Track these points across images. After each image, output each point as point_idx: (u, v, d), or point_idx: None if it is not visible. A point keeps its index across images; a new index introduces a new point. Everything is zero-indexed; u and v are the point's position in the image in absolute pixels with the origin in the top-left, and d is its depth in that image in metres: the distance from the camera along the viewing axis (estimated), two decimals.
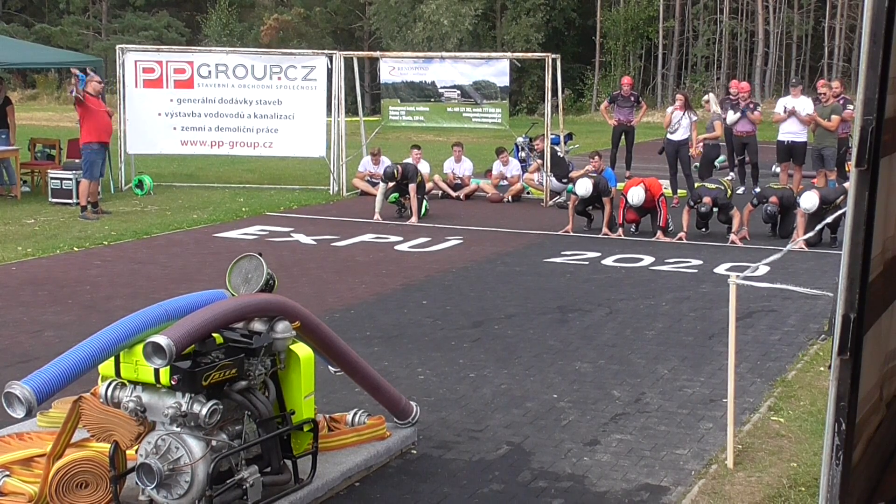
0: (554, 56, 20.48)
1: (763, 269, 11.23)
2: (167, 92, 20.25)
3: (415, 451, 7.09)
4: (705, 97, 21.63)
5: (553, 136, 20.29)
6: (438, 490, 6.48)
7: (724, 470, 6.78)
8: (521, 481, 6.61)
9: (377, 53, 24.65)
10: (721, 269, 12.98)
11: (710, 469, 6.82)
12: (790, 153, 19.20)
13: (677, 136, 19.00)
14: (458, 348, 9.58)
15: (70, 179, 18.21)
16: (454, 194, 19.90)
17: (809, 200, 14.24)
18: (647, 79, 47.74)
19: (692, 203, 15.17)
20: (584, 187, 15.45)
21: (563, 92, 23.57)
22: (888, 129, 4.48)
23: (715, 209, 15.04)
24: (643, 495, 6.42)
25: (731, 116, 19.68)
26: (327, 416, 6.99)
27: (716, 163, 20.60)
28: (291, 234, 15.73)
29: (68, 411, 6.00)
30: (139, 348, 5.62)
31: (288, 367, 6.34)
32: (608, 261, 13.86)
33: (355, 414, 7.09)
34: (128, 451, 5.89)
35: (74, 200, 17.81)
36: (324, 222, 16.86)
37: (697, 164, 20.14)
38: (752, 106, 20.29)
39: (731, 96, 21.18)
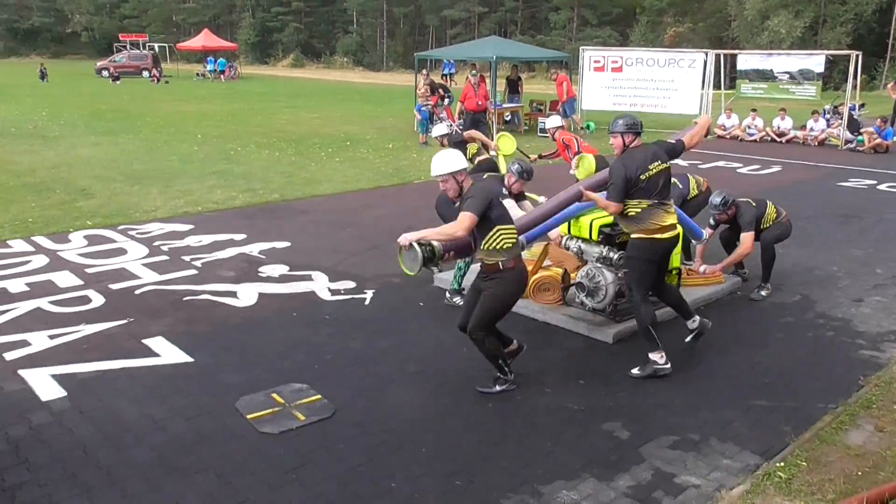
0: (857, 53, 17.72)
1: None
2: (607, 74, 19.78)
3: (739, 293, 6.68)
4: None
5: (851, 105, 17.68)
6: (751, 316, 6.10)
7: None
8: (806, 318, 6.06)
9: (737, 51, 22.51)
10: None
11: None
12: None
13: None
14: None
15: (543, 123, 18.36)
16: (780, 140, 17.99)
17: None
18: None
19: None
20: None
21: (860, 76, 20.39)
22: None
23: None
24: (890, 336, 5.67)
25: None
26: (686, 265, 6.76)
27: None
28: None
29: (541, 250, 6.24)
30: (583, 219, 5.71)
31: None
32: (882, 186, 12.04)
33: (701, 267, 6.80)
34: (571, 274, 6.05)
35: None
36: (694, 152, 15.86)
37: None
38: None
39: None
